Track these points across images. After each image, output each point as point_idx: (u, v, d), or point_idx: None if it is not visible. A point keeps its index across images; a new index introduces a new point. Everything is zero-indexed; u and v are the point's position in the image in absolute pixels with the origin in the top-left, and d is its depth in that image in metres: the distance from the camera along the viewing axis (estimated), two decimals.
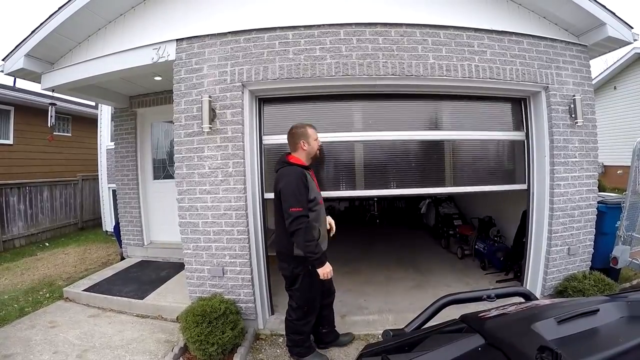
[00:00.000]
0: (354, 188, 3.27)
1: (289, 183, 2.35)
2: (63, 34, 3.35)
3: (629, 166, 3.42)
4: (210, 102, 2.94)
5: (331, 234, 2.70)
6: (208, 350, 2.56)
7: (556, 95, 3.28)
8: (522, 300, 1.45)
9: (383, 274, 4.40)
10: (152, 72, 3.85)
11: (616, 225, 3.41)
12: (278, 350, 2.87)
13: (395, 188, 3.29)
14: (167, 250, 5.03)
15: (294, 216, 2.27)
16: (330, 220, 2.70)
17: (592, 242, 3.48)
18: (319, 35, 2.98)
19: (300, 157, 2.54)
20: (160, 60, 3.16)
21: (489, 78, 3.12)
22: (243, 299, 3.05)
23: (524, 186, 3.51)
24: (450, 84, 3.13)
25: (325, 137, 3.05)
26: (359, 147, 3.25)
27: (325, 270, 2.36)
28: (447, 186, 3.37)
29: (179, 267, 4.34)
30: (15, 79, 6.52)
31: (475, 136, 3.39)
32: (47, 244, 6.93)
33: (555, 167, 3.26)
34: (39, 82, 3.75)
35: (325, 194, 2.93)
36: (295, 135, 2.56)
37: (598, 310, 1.06)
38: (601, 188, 4.26)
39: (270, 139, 3.25)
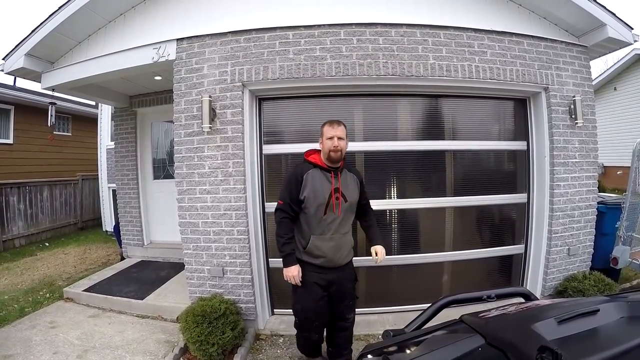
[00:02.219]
0: None
1: (285, 176, 2.44)
2: (63, 33, 3.36)
3: (629, 167, 3.42)
4: (210, 101, 2.95)
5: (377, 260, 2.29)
6: (208, 350, 2.56)
7: (556, 96, 3.29)
8: (522, 300, 1.45)
9: None
10: (152, 72, 3.85)
11: (616, 226, 3.42)
12: (278, 351, 2.87)
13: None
14: (167, 250, 5.02)
15: (276, 207, 2.32)
16: (378, 249, 2.30)
17: (592, 243, 3.48)
18: (319, 35, 2.99)
19: (321, 155, 2.31)
20: (161, 60, 3.16)
21: (489, 79, 3.12)
22: (243, 299, 3.05)
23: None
24: (451, 85, 3.13)
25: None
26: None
27: (288, 274, 2.23)
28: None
29: (179, 267, 4.34)
30: (15, 78, 6.53)
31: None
32: (47, 244, 6.92)
33: (555, 168, 3.27)
34: (39, 82, 3.76)
35: None
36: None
37: (598, 310, 1.06)
38: (601, 189, 4.27)
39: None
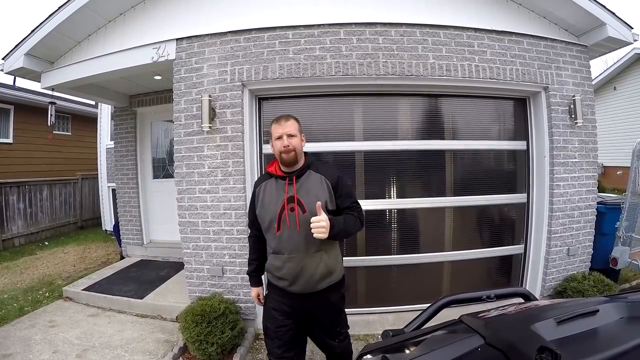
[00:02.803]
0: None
1: None
2: (63, 33, 3.35)
3: (629, 167, 3.43)
4: (210, 101, 2.95)
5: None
6: (207, 350, 2.56)
7: (556, 95, 3.29)
8: (522, 300, 1.45)
9: None
10: (152, 72, 3.85)
11: (616, 226, 3.42)
12: None
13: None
14: (166, 250, 5.03)
15: None
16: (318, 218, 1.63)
17: (592, 243, 3.48)
18: (319, 34, 2.98)
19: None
20: (160, 60, 3.16)
21: (489, 78, 3.12)
22: (243, 299, 3.05)
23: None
24: (450, 84, 3.13)
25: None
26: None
27: (251, 294, 2.08)
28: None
29: (178, 266, 4.34)
30: (15, 78, 6.52)
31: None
32: (46, 243, 6.92)
33: (554, 168, 3.27)
34: (39, 81, 3.76)
35: None
36: None
37: (597, 310, 1.06)
38: (601, 189, 4.27)
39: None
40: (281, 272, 1.81)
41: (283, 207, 1.77)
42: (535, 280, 3.43)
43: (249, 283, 2.07)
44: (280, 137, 1.80)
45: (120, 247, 5.36)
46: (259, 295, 2.05)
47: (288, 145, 1.77)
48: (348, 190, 1.88)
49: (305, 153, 1.91)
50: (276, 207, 1.78)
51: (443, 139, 3.33)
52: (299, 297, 1.81)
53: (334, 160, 3.24)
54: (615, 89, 10.67)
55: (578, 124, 3.28)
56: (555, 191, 3.27)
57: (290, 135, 1.79)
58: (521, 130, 3.51)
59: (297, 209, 1.76)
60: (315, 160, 1.91)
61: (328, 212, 1.75)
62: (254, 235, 1.99)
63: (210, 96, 2.97)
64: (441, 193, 3.35)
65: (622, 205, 3.44)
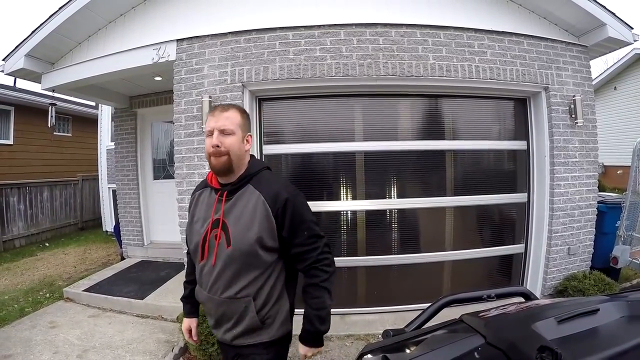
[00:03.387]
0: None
1: None
2: (63, 34, 3.36)
3: (629, 166, 3.43)
4: (210, 102, 2.95)
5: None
6: (208, 350, 2.56)
7: (556, 95, 3.29)
8: (522, 299, 1.45)
9: None
10: (152, 73, 3.85)
11: (616, 225, 3.42)
12: None
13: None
14: (167, 250, 5.02)
15: None
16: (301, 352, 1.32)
17: (592, 242, 3.49)
18: (319, 35, 2.99)
19: None
20: (161, 61, 3.17)
21: (489, 78, 3.12)
22: None
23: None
24: (451, 85, 3.13)
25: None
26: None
27: (182, 326, 1.58)
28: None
29: (179, 267, 4.34)
30: (15, 79, 6.52)
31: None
32: (47, 244, 6.92)
33: (555, 167, 3.27)
34: (39, 82, 3.77)
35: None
36: None
37: (598, 309, 1.06)
38: (601, 188, 4.27)
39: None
40: (206, 307, 1.36)
41: (207, 231, 1.29)
42: (535, 280, 3.43)
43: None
44: (210, 134, 1.26)
45: (121, 248, 5.36)
46: (190, 330, 1.54)
47: (218, 146, 1.23)
48: (301, 219, 1.26)
49: (252, 157, 1.37)
50: (202, 230, 1.31)
51: (443, 139, 3.33)
52: (221, 345, 1.42)
53: (334, 160, 3.24)
54: (615, 88, 10.67)
55: (578, 124, 3.28)
56: (555, 190, 3.27)
57: (224, 132, 1.24)
58: (521, 130, 3.51)
59: (220, 237, 1.25)
60: (260, 170, 1.34)
61: (265, 249, 1.24)
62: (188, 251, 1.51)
63: (210, 97, 2.98)
64: (441, 193, 3.35)
65: (622, 205, 3.44)
